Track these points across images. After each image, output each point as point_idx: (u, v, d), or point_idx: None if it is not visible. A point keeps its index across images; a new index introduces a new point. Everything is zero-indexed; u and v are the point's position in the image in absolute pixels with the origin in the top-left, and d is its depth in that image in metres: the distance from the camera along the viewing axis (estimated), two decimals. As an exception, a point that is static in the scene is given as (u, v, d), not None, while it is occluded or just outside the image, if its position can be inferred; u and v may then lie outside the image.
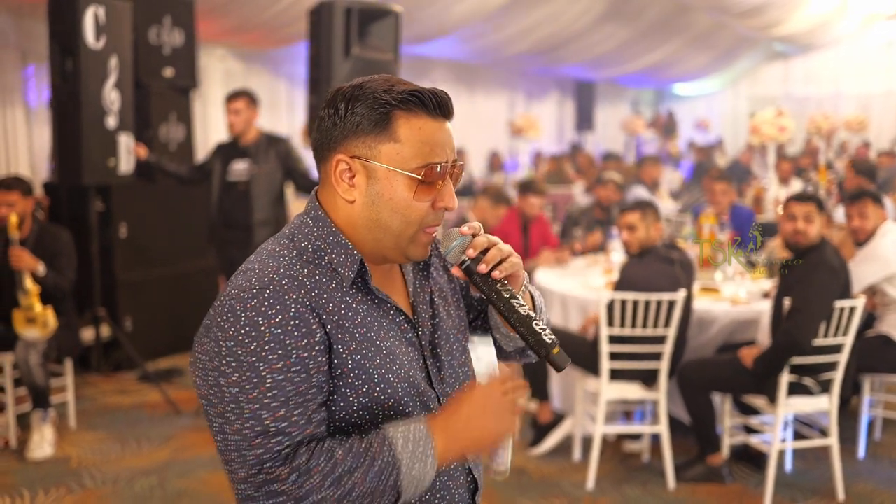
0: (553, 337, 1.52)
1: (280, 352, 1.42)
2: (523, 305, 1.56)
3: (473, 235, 1.63)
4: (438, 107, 1.56)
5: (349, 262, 1.55)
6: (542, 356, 1.51)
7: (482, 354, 1.57)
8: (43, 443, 5.04)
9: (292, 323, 1.44)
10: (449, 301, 1.77)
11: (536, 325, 1.52)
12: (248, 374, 1.41)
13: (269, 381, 1.41)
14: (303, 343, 1.44)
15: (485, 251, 1.61)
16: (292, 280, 1.48)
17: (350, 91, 1.55)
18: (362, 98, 1.53)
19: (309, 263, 1.53)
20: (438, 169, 1.53)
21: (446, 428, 1.49)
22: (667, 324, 4.52)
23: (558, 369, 1.52)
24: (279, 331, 1.42)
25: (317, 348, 1.46)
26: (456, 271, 1.62)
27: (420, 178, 1.52)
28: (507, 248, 1.63)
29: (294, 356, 1.43)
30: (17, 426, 5.26)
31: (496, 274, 1.59)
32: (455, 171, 1.59)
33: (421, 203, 1.53)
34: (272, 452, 1.39)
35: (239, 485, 1.43)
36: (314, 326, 1.47)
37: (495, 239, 1.63)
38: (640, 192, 8.60)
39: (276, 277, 1.47)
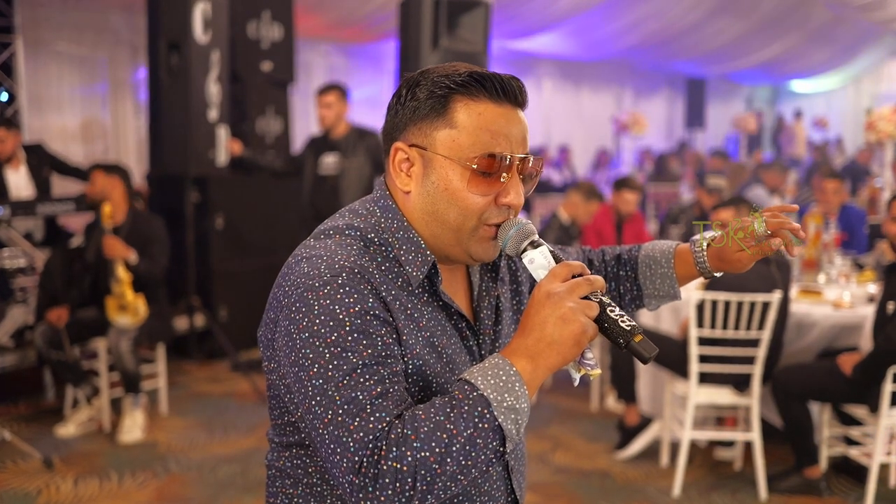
0: (633, 323, 1.34)
1: (366, 341, 1.32)
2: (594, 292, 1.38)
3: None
4: (503, 91, 1.42)
5: (419, 262, 1.45)
6: (623, 346, 1.33)
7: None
8: (134, 427, 5.17)
9: (372, 313, 1.34)
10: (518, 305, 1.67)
11: (612, 311, 1.34)
12: (335, 361, 1.30)
13: (360, 366, 1.30)
14: (383, 331, 1.35)
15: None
16: (364, 269, 1.39)
17: (414, 77, 1.47)
18: (423, 83, 1.44)
19: (376, 256, 1.44)
20: (506, 161, 1.40)
21: (522, 348, 1.31)
22: (761, 326, 4.31)
23: (643, 359, 1.33)
24: (360, 321, 1.33)
25: (393, 336, 1.37)
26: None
27: (474, 167, 1.40)
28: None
29: (380, 343, 1.33)
30: (111, 410, 5.41)
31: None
32: (526, 167, 1.44)
33: (477, 196, 1.41)
34: (375, 431, 1.25)
35: (345, 477, 1.26)
36: (390, 318, 1.38)
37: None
38: (758, 192, 8.40)
39: (348, 265, 1.37)
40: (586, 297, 1.33)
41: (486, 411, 1.26)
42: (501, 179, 1.42)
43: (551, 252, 1.43)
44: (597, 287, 1.34)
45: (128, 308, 5.09)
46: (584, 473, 4.78)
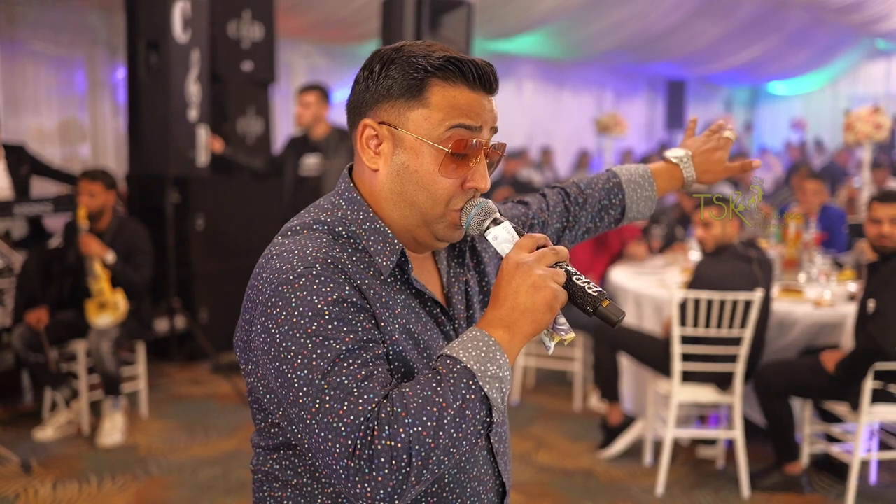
0: (600, 289, 1.37)
1: (346, 328, 1.31)
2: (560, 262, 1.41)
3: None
4: (479, 78, 1.43)
5: (388, 252, 1.45)
6: (592, 312, 1.36)
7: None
8: (113, 430, 5.12)
9: (349, 300, 1.34)
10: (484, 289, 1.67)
11: (578, 279, 1.37)
12: (318, 350, 1.29)
13: (343, 352, 1.29)
14: (361, 317, 1.34)
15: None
16: (336, 260, 1.38)
17: (388, 54, 1.45)
18: (398, 61, 1.43)
19: (346, 248, 1.43)
20: (474, 142, 1.41)
21: (497, 318, 1.34)
22: (743, 324, 4.32)
23: (612, 323, 1.36)
24: (338, 309, 1.32)
25: (372, 321, 1.37)
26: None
27: (448, 150, 1.40)
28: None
29: (360, 328, 1.33)
30: (91, 413, 5.36)
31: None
32: (490, 150, 1.46)
33: (447, 179, 1.42)
34: (366, 412, 1.25)
35: (339, 463, 1.24)
36: (367, 305, 1.38)
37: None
38: (725, 189, 8.43)
39: (321, 256, 1.37)
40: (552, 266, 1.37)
41: (471, 382, 1.28)
42: (470, 164, 1.43)
43: (514, 227, 1.45)
44: (561, 257, 1.38)
45: (107, 305, 5.05)
46: (568, 473, 4.77)
